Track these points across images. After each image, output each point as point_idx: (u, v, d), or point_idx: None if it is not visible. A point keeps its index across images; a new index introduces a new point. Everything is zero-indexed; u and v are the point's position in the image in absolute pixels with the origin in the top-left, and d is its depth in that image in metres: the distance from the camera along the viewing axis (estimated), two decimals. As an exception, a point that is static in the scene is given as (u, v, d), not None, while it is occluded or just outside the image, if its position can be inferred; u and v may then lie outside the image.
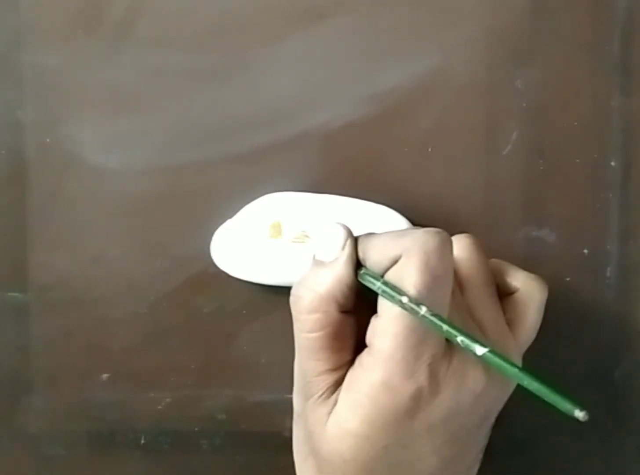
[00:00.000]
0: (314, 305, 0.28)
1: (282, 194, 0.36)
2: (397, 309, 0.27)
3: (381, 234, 0.29)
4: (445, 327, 0.26)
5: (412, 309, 0.26)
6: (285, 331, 0.37)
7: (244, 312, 0.37)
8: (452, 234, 0.36)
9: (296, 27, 0.36)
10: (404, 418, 0.27)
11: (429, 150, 0.36)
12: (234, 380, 0.37)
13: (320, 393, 0.29)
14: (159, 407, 0.37)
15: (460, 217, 0.36)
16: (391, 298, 0.27)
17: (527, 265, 0.35)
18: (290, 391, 0.37)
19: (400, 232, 0.29)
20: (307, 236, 0.34)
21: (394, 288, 0.27)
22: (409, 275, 0.27)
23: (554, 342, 0.36)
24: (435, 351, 0.27)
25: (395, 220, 0.35)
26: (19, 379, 0.37)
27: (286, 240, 0.35)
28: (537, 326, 0.31)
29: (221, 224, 0.36)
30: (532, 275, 0.32)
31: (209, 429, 0.38)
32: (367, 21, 0.36)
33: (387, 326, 0.27)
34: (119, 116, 0.36)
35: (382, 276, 0.28)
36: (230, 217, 0.36)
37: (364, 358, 0.28)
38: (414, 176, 0.36)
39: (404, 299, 0.26)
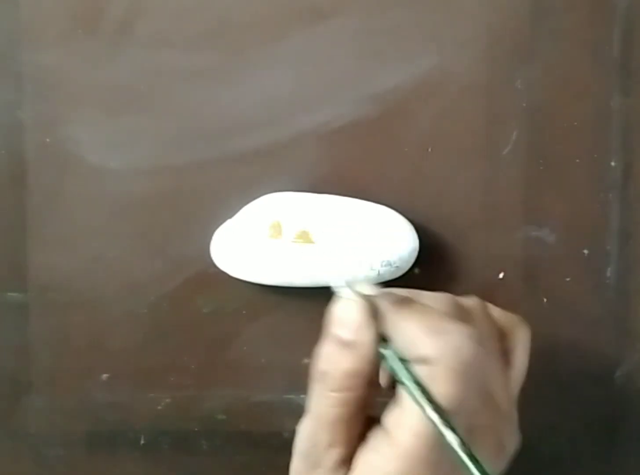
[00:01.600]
0: (341, 384, 0.27)
1: (282, 194, 0.36)
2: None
3: (411, 318, 0.27)
4: (470, 466, 0.25)
5: (440, 430, 0.25)
6: (286, 331, 0.37)
7: (244, 312, 0.37)
8: (452, 235, 0.36)
9: (296, 27, 0.36)
10: None
11: (429, 150, 0.36)
12: (234, 380, 0.37)
13: (330, 466, 0.28)
14: (159, 407, 0.37)
15: (460, 217, 0.36)
16: (420, 406, 0.26)
17: (527, 265, 0.35)
18: (290, 391, 0.37)
19: (434, 327, 0.27)
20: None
21: (423, 390, 0.26)
22: (439, 387, 0.26)
23: (554, 343, 0.36)
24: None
25: (395, 220, 0.35)
26: (19, 379, 0.37)
27: (286, 240, 0.35)
28: (526, 367, 0.30)
29: (221, 224, 0.36)
30: (514, 316, 0.30)
31: (209, 429, 0.38)
32: (368, 21, 0.36)
33: (411, 423, 0.26)
34: (119, 116, 0.36)
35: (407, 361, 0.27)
36: (230, 217, 0.36)
37: (380, 445, 0.27)
38: (414, 176, 0.36)
39: (435, 418, 0.25)
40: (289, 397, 0.37)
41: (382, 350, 0.27)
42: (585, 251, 0.37)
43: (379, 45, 0.36)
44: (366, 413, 0.28)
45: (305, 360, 0.37)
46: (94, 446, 0.38)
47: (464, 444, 0.26)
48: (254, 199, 0.36)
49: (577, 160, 0.36)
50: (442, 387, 0.26)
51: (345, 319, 0.28)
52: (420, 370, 0.26)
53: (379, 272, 0.35)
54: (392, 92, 0.36)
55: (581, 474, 0.38)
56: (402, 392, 0.27)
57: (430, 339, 0.26)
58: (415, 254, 0.35)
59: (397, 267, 0.35)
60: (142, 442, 0.38)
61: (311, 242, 0.35)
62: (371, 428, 0.28)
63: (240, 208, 0.36)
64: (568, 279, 0.36)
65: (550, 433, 0.37)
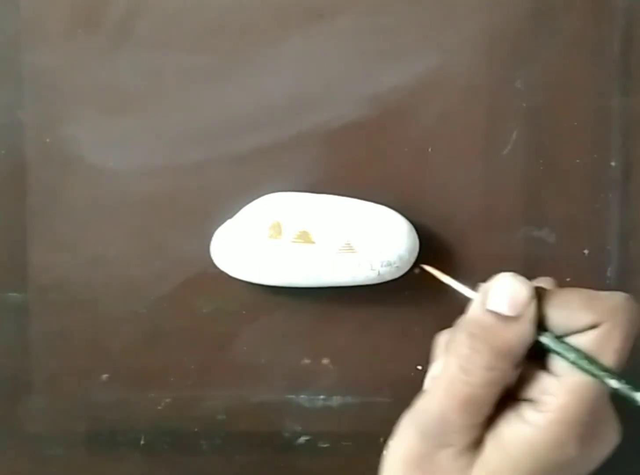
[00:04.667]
0: (493, 363, 0.27)
1: (282, 194, 0.36)
2: (583, 374, 0.26)
3: (567, 292, 0.28)
4: None
5: (626, 394, 0.26)
6: (286, 331, 0.37)
7: (244, 312, 0.37)
8: (452, 235, 0.36)
9: (296, 27, 0.36)
10: (559, 473, 0.27)
11: (429, 150, 0.36)
12: (234, 380, 0.37)
13: (463, 445, 0.28)
14: (159, 407, 0.37)
15: (460, 217, 0.36)
16: (593, 374, 0.26)
17: (527, 265, 0.35)
18: (290, 391, 0.37)
19: (594, 296, 0.27)
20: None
21: (594, 362, 0.26)
22: (613, 344, 0.26)
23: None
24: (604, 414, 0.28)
25: (395, 220, 0.35)
26: (19, 379, 0.37)
27: (286, 240, 0.35)
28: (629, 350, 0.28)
29: (221, 224, 0.36)
30: (618, 300, 0.28)
31: (209, 429, 0.38)
32: (367, 21, 0.36)
33: (571, 389, 0.26)
34: (119, 116, 0.36)
35: (562, 337, 0.27)
36: (230, 217, 0.36)
37: (527, 414, 0.27)
38: (414, 176, 0.36)
39: (614, 383, 0.26)
40: (289, 397, 0.37)
41: (543, 334, 0.27)
42: (585, 251, 0.37)
43: (379, 45, 0.36)
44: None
45: (306, 360, 0.37)
46: (94, 446, 0.38)
47: None
48: (254, 199, 0.36)
49: (577, 160, 0.36)
50: (615, 344, 0.26)
51: (511, 294, 0.28)
52: (587, 340, 0.27)
53: (379, 272, 0.35)
54: (392, 92, 0.36)
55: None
56: (555, 364, 0.27)
57: (596, 304, 0.27)
58: (415, 254, 0.35)
59: (397, 267, 0.35)
60: (142, 442, 0.38)
61: (311, 242, 0.35)
62: (504, 410, 0.28)
63: (240, 208, 0.36)
64: (568, 279, 0.36)
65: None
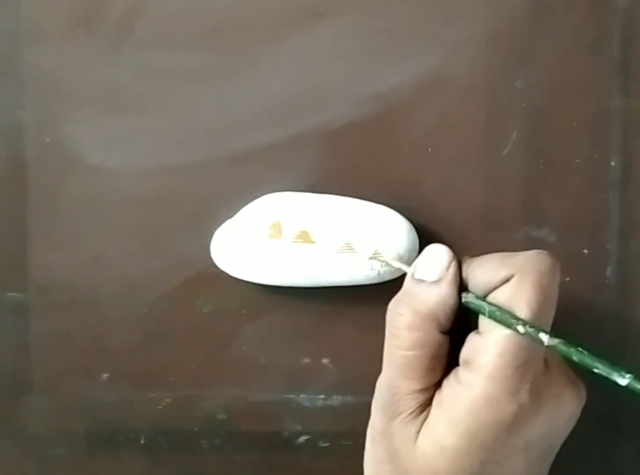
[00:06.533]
0: (415, 323, 0.28)
1: (282, 194, 0.36)
2: (503, 328, 0.27)
3: (486, 255, 0.29)
4: (578, 356, 0.26)
5: (533, 336, 0.26)
6: (286, 331, 0.37)
7: (244, 312, 0.37)
8: (452, 235, 0.36)
9: (296, 27, 0.36)
10: (503, 434, 0.27)
11: (429, 150, 0.36)
12: (234, 380, 0.37)
13: (409, 411, 0.29)
14: (159, 407, 0.37)
15: (460, 217, 0.36)
16: (507, 324, 0.27)
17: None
18: (290, 391, 0.37)
19: (509, 254, 0.29)
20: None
21: (505, 312, 0.27)
22: (523, 294, 0.27)
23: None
24: (538, 369, 0.27)
25: (395, 220, 0.35)
26: (19, 379, 0.37)
27: (286, 240, 0.35)
28: (547, 301, 0.28)
29: (221, 224, 0.36)
30: (528, 254, 0.29)
31: (209, 429, 0.38)
32: (367, 21, 0.36)
33: (492, 344, 0.27)
34: (119, 116, 0.36)
35: (485, 297, 0.28)
36: (230, 217, 0.36)
37: (461, 375, 0.28)
38: (414, 176, 0.36)
39: (521, 329, 0.26)
40: (289, 397, 0.37)
41: (462, 293, 0.29)
42: (585, 251, 0.37)
43: (379, 45, 0.36)
44: (443, 363, 0.29)
45: (306, 360, 0.37)
46: (94, 446, 0.38)
47: (569, 344, 0.26)
48: (254, 199, 0.36)
49: (577, 160, 0.36)
50: (526, 294, 0.27)
51: (432, 261, 0.29)
52: (502, 293, 0.27)
53: (379, 272, 0.35)
54: (392, 92, 0.36)
55: (581, 474, 0.38)
56: (480, 322, 0.28)
57: (509, 259, 0.28)
58: (415, 254, 0.35)
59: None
60: (142, 441, 0.38)
61: (311, 242, 0.35)
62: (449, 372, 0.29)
63: (240, 208, 0.36)
64: (568, 279, 0.36)
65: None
